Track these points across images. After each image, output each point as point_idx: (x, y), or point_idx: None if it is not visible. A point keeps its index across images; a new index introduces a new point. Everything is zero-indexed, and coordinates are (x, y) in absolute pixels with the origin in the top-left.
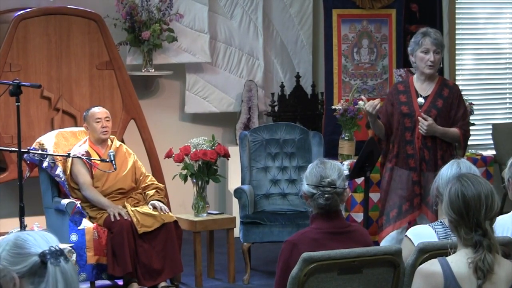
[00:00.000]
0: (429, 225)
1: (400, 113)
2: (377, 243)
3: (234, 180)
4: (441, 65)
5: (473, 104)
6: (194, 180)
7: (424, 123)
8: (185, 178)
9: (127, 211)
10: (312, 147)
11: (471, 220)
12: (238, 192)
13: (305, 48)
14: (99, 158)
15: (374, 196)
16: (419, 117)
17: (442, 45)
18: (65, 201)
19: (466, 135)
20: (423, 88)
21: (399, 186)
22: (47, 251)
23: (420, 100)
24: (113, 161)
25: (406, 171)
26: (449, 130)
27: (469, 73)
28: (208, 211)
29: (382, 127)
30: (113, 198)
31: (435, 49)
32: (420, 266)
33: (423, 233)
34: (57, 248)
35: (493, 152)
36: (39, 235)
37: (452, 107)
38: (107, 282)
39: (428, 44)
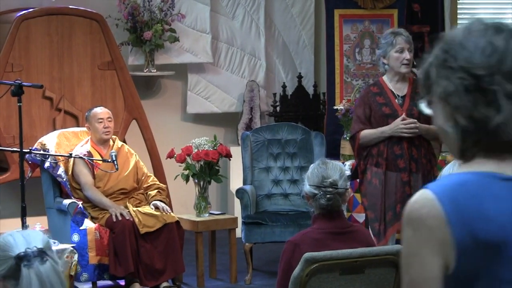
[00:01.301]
0: None
1: (382, 115)
2: None
3: (236, 181)
4: (414, 63)
5: None
6: (196, 180)
7: (411, 125)
8: (187, 178)
9: (129, 211)
10: (314, 147)
11: None
12: (240, 193)
13: (307, 48)
14: (101, 159)
15: None
16: (400, 122)
17: (412, 43)
18: (67, 201)
19: None
20: (397, 88)
21: (389, 190)
22: (22, 254)
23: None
24: (115, 162)
25: (394, 173)
26: (431, 127)
27: None
28: (210, 211)
29: None
30: (115, 198)
31: (409, 47)
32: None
33: None
34: (33, 249)
35: None
36: (22, 236)
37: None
38: (109, 282)
39: (402, 43)
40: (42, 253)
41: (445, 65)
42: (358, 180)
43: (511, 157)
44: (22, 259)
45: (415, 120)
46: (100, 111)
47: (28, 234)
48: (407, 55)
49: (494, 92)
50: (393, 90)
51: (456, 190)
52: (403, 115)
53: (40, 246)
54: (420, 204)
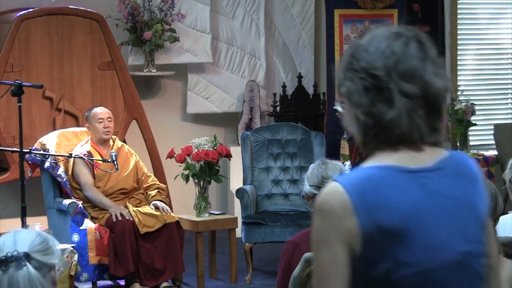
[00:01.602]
0: None
1: None
2: None
3: (236, 181)
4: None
5: (475, 104)
6: (196, 180)
7: None
8: (187, 179)
9: (128, 211)
10: (314, 147)
11: None
12: (240, 193)
13: (307, 48)
14: (101, 158)
15: None
16: None
17: None
18: (67, 201)
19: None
20: None
21: None
22: (3, 258)
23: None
24: (115, 162)
25: None
26: None
27: (471, 73)
28: (210, 211)
29: None
30: (115, 198)
31: None
32: None
33: None
34: (14, 253)
35: (495, 152)
36: (13, 238)
37: None
38: (109, 282)
39: None
40: (21, 258)
41: (350, 68)
42: None
43: (407, 149)
44: (1, 263)
45: None
46: (100, 111)
47: (18, 236)
48: None
49: (390, 90)
50: None
51: (363, 184)
52: None
53: (24, 249)
54: (331, 196)
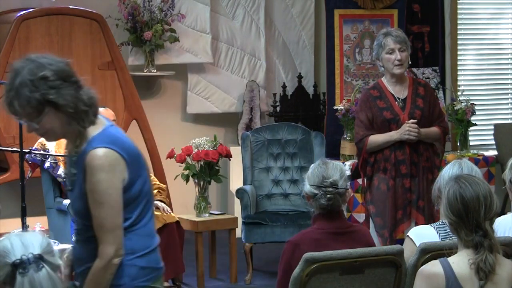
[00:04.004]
0: (431, 225)
1: (384, 120)
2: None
3: (236, 181)
4: (410, 62)
5: (475, 104)
6: (196, 181)
7: (413, 129)
8: (187, 179)
9: None
10: (314, 148)
11: (471, 221)
12: (240, 193)
13: (307, 48)
14: None
15: None
16: (407, 125)
17: (406, 42)
18: (67, 201)
19: (445, 132)
20: (397, 91)
21: (395, 195)
22: (17, 261)
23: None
24: None
25: (398, 178)
26: (430, 130)
27: (471, 73)
28: (210, 212)
29: None
30: None
31: (400, 47)
32: (422, 267)
33: (424, 234)
34: (29, 256)
35: (495, 152)
36: (20, 241)
37: (430, 105)
38: None
39: (391, 44)
40: (38, 260)
41: (48, 82)
42: (361, 183)
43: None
44: (17, 266)
45: (416, 121)
46: (106, 112)
47: (26, 239)
48: (397, 55)
49: (76, 82)
50: (392, 92)
51: (114, 141)
52: (412, 120)
53: (37, 251)
54: (106, 155)
